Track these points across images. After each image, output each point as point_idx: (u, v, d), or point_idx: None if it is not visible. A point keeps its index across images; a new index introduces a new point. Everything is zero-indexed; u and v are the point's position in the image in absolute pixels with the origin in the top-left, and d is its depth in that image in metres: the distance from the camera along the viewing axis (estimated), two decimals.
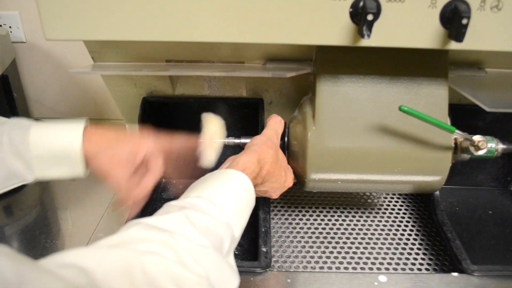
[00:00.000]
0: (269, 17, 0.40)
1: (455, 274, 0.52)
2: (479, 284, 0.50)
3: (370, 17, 0.38)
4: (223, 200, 0.40)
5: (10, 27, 0.90)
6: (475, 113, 0.63)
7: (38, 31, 0.91)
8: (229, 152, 0.69)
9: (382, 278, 0.51)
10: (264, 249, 0.53)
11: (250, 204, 0.44)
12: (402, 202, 0.68)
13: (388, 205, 0.67)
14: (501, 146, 0.53)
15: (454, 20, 0.39)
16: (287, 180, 0.51)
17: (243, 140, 0.55)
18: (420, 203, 0.67)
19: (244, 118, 0.64)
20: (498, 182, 0.72)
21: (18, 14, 0.89)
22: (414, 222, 0.63)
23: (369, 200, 0.68)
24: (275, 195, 0.51)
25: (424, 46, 0.41)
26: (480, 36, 0.41)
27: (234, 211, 0.41)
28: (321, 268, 0.54)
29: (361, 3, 0.39)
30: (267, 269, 0.51)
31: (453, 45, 0.41)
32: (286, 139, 0.54)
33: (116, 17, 0.41)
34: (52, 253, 0.30)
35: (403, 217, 0.64)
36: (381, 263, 0.55)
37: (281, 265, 0.55)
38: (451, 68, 0.54)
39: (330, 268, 0.54)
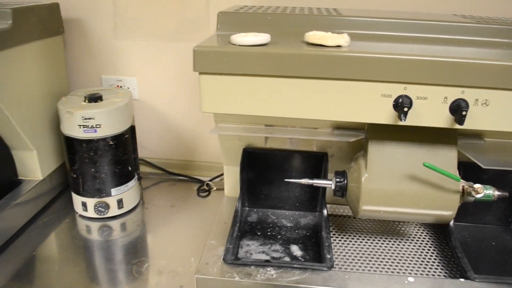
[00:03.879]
0: (342, 105, 0.66)
1: (462, 280, 0.74)
2: (478, 286, 0.73)
3: (405, 109, 0.64)
4: None
5: (128, 88, 1.21)
6: (482, 169, 0.87)
7: (146, 91, 1.21)
8: (303, 190, 0.94)
9: (411, 279, 0.74)
10: (328, 256, 0.77)
11: None
12: (427, 232, 0.91)
13: (417, 234, 0.90)
14: (497, 193, 0.76)
15: (457, 112, 0.64)
16: None
17: (315, 181, 0.80)
18: (440, 233, 0.90)
19: (314, 166, 0.90)
20: (502, 222, 0.94)
21: (135, 79, 1.20)
22: (436, 246, 0.86)
23: (403, 229, 0.91)
24: None
25: (438, 126, 0.66)
26: (475, 121, 0.66)
27: None
28: (369, 270, 0.78)
29: (400, 100, 0.65)
30: (331, 269, 0.75)
31: (457, 126, 0.65)
32: (345, 181, 0.79)
33: (248, 101, 0.68)
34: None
35: (427, 243, 0.87)
36: (411, 270, 0.78)
37: (341, 267, 0.78)
38: (460, 137, 0.78)
39: (375, 271, 0.78)
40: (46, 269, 0.87)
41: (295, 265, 0.75)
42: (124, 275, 0.85)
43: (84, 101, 0.98)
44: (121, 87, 1.21)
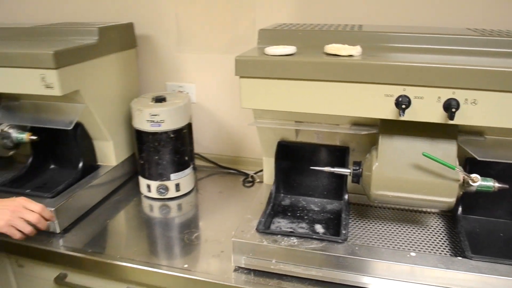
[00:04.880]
0: (352, 103, 0.82)
1: (460, 258, 0.86)
2: (474, 264, 0.84)
3: (403, 106, 0.78)
4: None
5: (187, 93, 1.41)
6: (489, 164, 0.97)
7: (203, 96, 1.41)
8: (330, 180, 1.09)
9: (413, 254, 0.86)
10: (344, 232, 0.91)
11: None
12: (441, 221, 1.02)
13: (430, 223, 1.02)
14: (497, 185, 0.87)
15: (449, 109, 0.77)
16: None
17: (336, 169, 0.95)
18: (452, 223, 1.01)
19: (337, 158, 1.05)
20: None
21: (194, 85, 1.41)
22: (445, 234, 0.98)
23: (418, 218, 1.04)
24: None
25: (433, 121, 0.79)
26: (465, 117, 0.78)
27: None
28: (377, 246, 0.91)
29: (400, 99, 0.79)
30: (345, 241, 0.89)
31: (449, 122, 0.78)
32: (361, 170, 0.93)
33: (277, 99, 0.85)
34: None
35: (438, 230, 0.99)
36: (416, 248, 0.91)
37: (355, 243, 0.92)
38: (462, 134, 0.90)
39: (383, 246, 0.91)
40: (116, 236, 1.08)
41: (314, 237, 0.90)
42: (177, 241, 1.04)
43: (152, 101, 1.20)
44: (182, 92, 1.42)
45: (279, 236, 0.91)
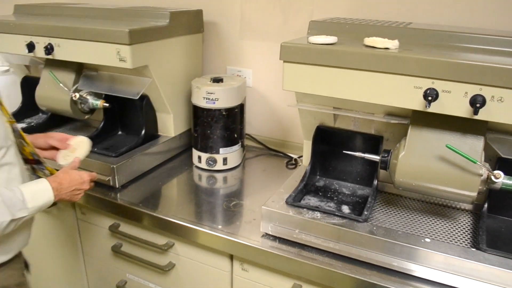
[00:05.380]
0: (384, 92, 0.88)
1: (473, 249, 0.89)
2: (486, 256, 0.87)
3: (430, 98, 0.83)
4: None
5: (245, 77, 1.53)
6: None
7: (258, 81, 1.51)
8: (364, 167, 1.15)
9: (427, 240, 0.91)
10: (366, 213, 0.98)
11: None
12: (466, 217, 1.05)
13: (456, 217, 1.05)
14: None
15: (474, 104, 0.81)
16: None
17: (366, 155, 1.02)
18: (476, 220, 1.04)
19: (372, 146, 1.11)
20: None
21: (251, 71, 1.52)
22: (467, 228, 1.01)
23: (444, 212, 1.07)
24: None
25: (459, 115, 0.84)
26: (491, 114, 0.82)
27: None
28: (397, 231, 0.97)
29: (428, 91, 0.84)
30: (366, 221, 0.96)
31: (474, 117, 0.82)
32: (389, 157, 0.99)
33: (315, 83, 0.93)
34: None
35: (462, 225, 1.02)
36: (433, 236, 0.95)
37: (375, 224, 0.99)
38: (492, 132, 0.93)
39: (401, 231, 0.97)
40: (165, 197, 1.22)
41: (336, 213, 0.98)
42: (217, 206, 1.16)
43: (210, 81, 1.32)
44: (239, 76, 1.54)
45: (305, 209, 1.00)
